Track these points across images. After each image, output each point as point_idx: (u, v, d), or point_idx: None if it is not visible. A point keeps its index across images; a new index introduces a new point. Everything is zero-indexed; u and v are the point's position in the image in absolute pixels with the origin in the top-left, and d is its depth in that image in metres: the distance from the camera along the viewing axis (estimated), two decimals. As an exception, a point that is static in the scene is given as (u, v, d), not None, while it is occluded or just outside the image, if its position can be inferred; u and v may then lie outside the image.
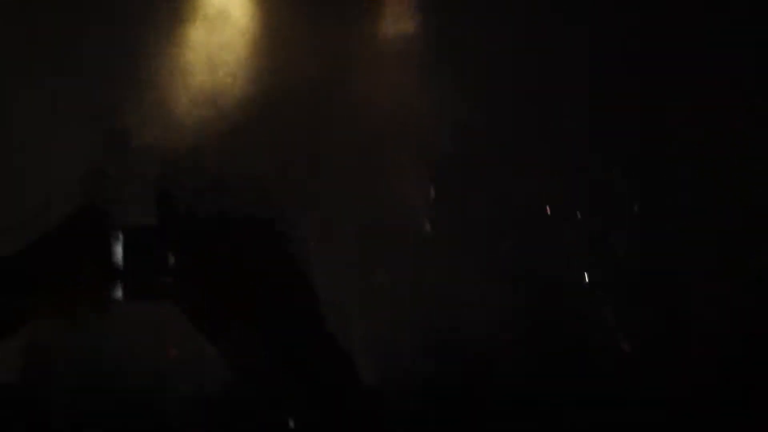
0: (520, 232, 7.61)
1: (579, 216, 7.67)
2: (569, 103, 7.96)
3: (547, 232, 7.79)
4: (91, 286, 1.11)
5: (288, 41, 8.53)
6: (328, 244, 7.35)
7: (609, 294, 7.06)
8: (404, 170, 8.20)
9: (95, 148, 7.64)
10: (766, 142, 7.24)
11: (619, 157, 7.95)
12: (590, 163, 7.93)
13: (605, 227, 7.67)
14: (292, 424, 1.09)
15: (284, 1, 8.82)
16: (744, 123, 7.51)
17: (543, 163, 7.96)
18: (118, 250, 1.12)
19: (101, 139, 7.80)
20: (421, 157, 8.25)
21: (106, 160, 7.60)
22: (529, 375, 5.99)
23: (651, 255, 7.29)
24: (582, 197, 8.04)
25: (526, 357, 6.42)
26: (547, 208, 7.80)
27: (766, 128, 7.31)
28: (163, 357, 6.73)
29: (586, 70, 7.96)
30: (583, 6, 8.01)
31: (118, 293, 1.12)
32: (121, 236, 1.13)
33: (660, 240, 7.45)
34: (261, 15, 8.85)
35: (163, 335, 6.69)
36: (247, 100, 8.57)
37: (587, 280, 7.23)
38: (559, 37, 7.92)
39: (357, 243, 7.82)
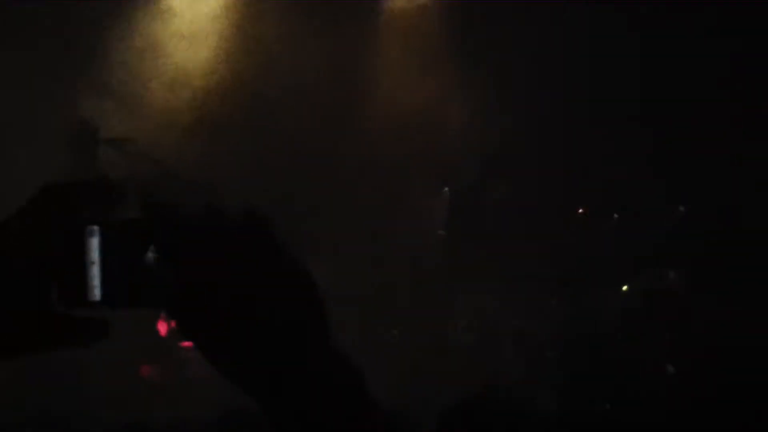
0: (541, 237, 7.56)
1: (614, 217, 7.61)
2: (592, 106, 7.92)
3: (567, 237, 7.74)
4: (63, 286, 1.05)
5: (285, 32, 8.18)
6: (332, 247, 7.28)
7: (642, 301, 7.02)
8: (414, 171, 8.12)
9: (66, 147, 7.50)
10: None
11: (648, 159, 7.92)
12: (617, 164, 7.91)
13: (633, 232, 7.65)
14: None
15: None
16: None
17: (565, 167, 7.91)
18: (94, 246, 1.07)
19: (74, 137, 7.68)
20: (434, 158, 8.17)
21: (78, 157, 7.50)
22: (544, 384, 5.95)
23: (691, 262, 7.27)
24: (607, 202, 8.00)
25: (541, 367, 6.42)
26: (580, 209, 7.75)
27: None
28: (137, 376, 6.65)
29: (612, 68, 7.93)
30: (605, 5, 7.97)
31: (96, 295, 1.06)
32: (98, 232, 1.07)
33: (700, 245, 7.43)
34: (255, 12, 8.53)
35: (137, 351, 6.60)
36: (240, 95, 8.30)
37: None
38: (578, 36, 7.89)
39: (364, 247, 7.74)
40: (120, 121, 7.72)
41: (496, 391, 5.05)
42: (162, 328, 6.75)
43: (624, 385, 5.87)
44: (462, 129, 8.10)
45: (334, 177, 7.91)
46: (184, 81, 8.24)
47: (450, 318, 7.17)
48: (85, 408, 5.64)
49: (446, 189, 8.15)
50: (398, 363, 6.35)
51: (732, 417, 4.97)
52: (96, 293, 1.07)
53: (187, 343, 6.64)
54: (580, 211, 7.78)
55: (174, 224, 1.07)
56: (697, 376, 5.99)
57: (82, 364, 5.92)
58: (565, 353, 6.44)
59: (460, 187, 8.07)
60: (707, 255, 7.25)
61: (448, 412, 3.97)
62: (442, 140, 8.09)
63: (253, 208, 1.11)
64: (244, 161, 7.79)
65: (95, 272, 1.07)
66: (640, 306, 7.01)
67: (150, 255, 1.06)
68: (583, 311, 6.86)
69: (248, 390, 1.10)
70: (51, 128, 7.40)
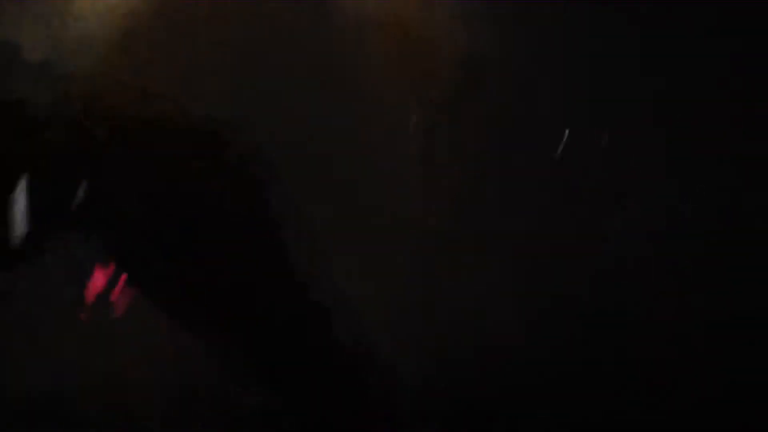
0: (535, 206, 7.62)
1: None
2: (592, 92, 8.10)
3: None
4: None
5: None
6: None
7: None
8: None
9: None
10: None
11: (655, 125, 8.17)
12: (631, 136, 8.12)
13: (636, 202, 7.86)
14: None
15: None
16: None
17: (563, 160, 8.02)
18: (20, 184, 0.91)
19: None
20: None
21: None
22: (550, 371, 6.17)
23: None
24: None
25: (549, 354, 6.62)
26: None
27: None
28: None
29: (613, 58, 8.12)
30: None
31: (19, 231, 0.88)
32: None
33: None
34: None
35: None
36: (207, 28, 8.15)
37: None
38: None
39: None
40: (38, 34, 7.46)
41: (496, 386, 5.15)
42: (98, 279, 6.52)
43: (624, 382, 6.07)
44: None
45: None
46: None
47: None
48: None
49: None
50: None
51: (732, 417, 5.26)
52: (20, 229, 0.93)
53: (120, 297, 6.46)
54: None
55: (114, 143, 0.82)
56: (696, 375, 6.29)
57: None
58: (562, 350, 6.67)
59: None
60: (707, 254, 7.58)
61: (447, 411, 4.08)
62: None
63: (214, 118, 0.82)
64: (189, 74, 7.62)
65: (20, 208, 0.94)
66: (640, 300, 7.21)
67: (80, 190, 0.89)
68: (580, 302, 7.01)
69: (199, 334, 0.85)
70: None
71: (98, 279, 6.80)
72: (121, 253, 0.79)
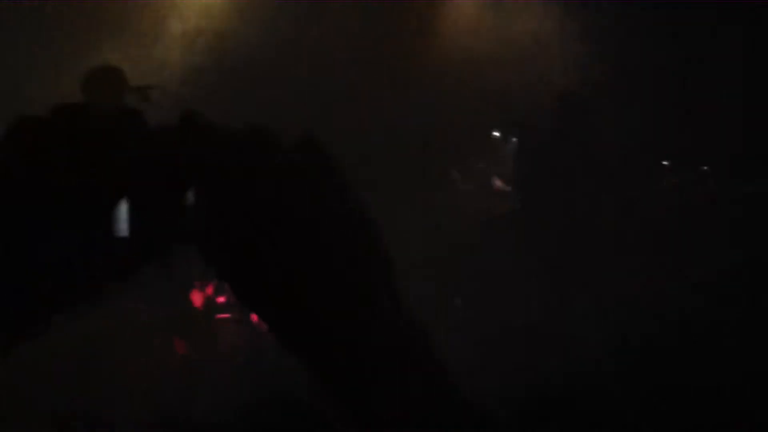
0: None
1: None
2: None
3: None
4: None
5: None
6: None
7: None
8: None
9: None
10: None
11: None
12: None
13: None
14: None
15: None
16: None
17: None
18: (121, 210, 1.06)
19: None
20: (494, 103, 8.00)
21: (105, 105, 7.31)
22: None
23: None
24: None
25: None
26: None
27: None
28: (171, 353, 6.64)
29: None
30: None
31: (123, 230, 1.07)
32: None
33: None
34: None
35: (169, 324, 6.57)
36: (265, 40, 8.32)
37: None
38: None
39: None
40: (138, 67, 7.69)
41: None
42: (196, 298, 6.68)
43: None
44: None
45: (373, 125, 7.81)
46: (206, 25, 8.20)
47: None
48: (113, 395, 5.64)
49: (514, 139, 7.96)
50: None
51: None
52: (123, 227, 1.08)
53: (223, 315, 6.61)
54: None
55: (216, 165, 1.03)
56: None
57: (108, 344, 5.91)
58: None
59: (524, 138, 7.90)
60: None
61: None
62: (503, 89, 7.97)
63: (310, 139, 1.03)
64: (274, 111, 7.72)
65: (123, 206, 1.08)
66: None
67: (188, 197, 1.06)
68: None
69: (296, 348, 1.03)
70: (74, 75, 7.39)
71: (200, 292, 6.92)
72: (222, 264, 0.88)
